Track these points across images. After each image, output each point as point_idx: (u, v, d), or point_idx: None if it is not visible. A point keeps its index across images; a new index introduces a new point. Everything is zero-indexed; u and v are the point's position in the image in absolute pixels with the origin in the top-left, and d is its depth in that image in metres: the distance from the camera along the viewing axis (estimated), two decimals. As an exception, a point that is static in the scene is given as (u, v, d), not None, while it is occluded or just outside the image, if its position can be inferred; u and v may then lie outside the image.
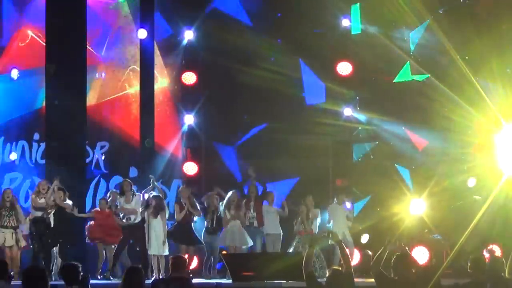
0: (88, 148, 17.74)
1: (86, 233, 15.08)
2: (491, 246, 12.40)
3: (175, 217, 14.91)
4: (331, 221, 15.13)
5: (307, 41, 17.31)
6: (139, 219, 14.74)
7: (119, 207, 14.92)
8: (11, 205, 14.16)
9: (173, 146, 18.02)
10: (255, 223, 14.90)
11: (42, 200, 14.52)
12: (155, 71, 18.12)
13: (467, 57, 14.91)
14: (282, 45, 17.49)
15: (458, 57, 14.71)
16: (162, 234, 14.17)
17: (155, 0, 17.92)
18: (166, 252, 14.00)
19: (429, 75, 16.44)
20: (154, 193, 14.77)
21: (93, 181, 17.53)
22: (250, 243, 14.73)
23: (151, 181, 15.29)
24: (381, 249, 10.83)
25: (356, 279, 9.21)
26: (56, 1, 16.71)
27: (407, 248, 11.72)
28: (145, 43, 17.42)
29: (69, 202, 14.62)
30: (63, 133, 16.40)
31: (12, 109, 18.23)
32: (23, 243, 14.19)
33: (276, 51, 17.40)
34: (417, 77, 16.49)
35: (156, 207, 14.26)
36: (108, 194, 15.93)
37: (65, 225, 14.52)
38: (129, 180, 15.65)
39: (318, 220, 15.25)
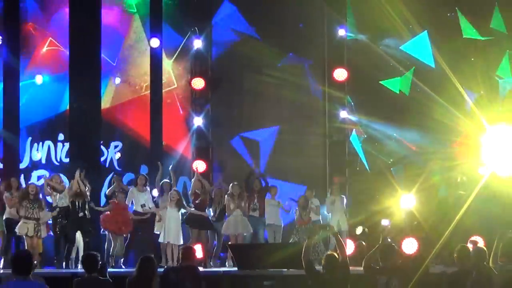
0: (103, 147, 17.78)
1: (101, 222, 15.00)
2: (474, 237, 12.24)
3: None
4: (330, 212, 15.18)
5: (308, 49, 17.53)
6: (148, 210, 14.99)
7: (129, 193, 15.06)
8: (35, 199, 14.07)
9: (183, 146, 17.93)
10: (257, 214, 15.06)
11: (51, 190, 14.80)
12: (171, 76, 18.26)
13: (456, 70, 14.99)
14: (287, 53, 17.55)
15: (448, 69, 14.80)
16: (178, 225, 14.31)
17: (163, 11, 17.76)
18: (181, 242, 14.02)
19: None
20: (174, 188, 14.87)
21: (107, 178, 17.31)
22: (251, 230, 14.83)
23: (160, 167, 15.61)
24: (373, 250, 11.12)
25: (351, 267, 9.30)
26: (77, 14, 16.75)
27: (390, 240, 11.73)
28: (154, 51, 17.52)
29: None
30: (81, 133, 16.67)
31: (38, 112, 18.11)
32: (43, 233, 14.20)
33: (280, 59, 17.39)
34: (404, 90, 16.58)
35: (177, 200, 14.36)
36: (112, 180, 16.22)
37: (85, 216, 14.51)
38: (145, 175, 15.80)
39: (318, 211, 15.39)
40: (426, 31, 16.10)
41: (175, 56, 18.42)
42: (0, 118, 17.57)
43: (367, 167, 17.05)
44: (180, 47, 18.27)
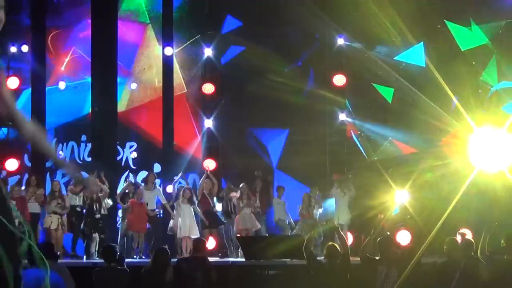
0: (119, 147, 18.03)
1: (127, 226, 14.90)
2: (463, 230, 12.21)
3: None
4: (335, 205, 15.30)
5: (310, 57, 17.79)
6: (153, 207, 15.08)
7: (138, 190, 14.99)
8: (59, 195, 14.26)
9: (194, 146, 18.15)
10: (260, 211, 15.19)
11: (78, 189, 14.67)
12: (181, 81, 18.58)
13: (446, 76, 14.75)
14: (291, 61, 17.70)
15: (439, 75, 14.64)
16: (192, 219, 14.36)
17: (174, 22, 17.90)
18: (196, 235, 13.92)
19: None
20: (185, 186, 15.08)
21: (122, 175, 17.68)
22: (259, 226, 14.92)
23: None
24: (367, 240, 11.35)
25: (351, 258, 9.77)
26: (97, 26, 17.07)
27: (389, 233, 12.26)
28: (167, 59, 17.63)
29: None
30: (101, 134, 16.96)
31: (63, 115, 18.27)
32: (66, 227, 14.38)
33: (284, 67, 17.52)
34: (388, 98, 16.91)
35: (190, 197, 14.46)
36: (125, 185, 16.17)
37: (101, 217, 14.64)
38: (154, 174, 15.94)
39: (321, 209, 15.53)
40: (422, 42, 16.26)
41: (186, 63, 18.69)
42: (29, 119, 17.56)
43: (365, 156, 17.18)
44: (191, 55, 18.60)
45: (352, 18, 17.18)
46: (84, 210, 14.61)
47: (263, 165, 17.47)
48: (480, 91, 15.87)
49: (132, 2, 18.97)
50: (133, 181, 16.49)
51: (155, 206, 15.20)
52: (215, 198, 15.36)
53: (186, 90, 18.64)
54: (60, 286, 8.59)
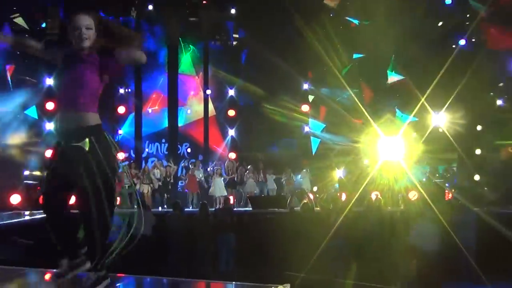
0: (179, 146, 17.67)
1: (185, 186, 14.72)
2: (375, 192, 12.03)
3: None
4: (303, 180, 14.93)
5: (286, 94, 16.89)
6: (200, 178, 14.57)
7: (190, 171, 14.69)
8: (148, 174, 14.26)
9: (222, 146, 17.92)
10: (262, 181, 14.80)
11: (157, 170, 14.37)
12: (213, 108, 18.07)
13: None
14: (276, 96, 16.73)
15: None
16: (222, 186, 14.05)
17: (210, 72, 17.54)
18: (224, 195, 13.61)
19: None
20: (217, 167, 14.88)
21: (181, 162, 17.13)
22: (258, 190, 14.48)
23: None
24: (322, 196, 11.92)
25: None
26: (172, 77, 16.86)
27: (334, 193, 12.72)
28: (207, 96, 17.53)
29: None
30: (170, 138, 17.05)
31: (150, 128, 17.82)
32: (149, 195, 13.87)
33: (272, 100, 16.68)
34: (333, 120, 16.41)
35: (220, 173, 14.26)
36: (190, 164, 15.84)
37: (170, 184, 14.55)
38: (199, 161, 15.91)
39: (294, 178, 15.10)
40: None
41: (217, 98, 18.32)
42: (133, 131, 17.18)
43: (313, 152, 16.76)
44: (221, 92, 18.20)
45: (314, 70, 17.07)
46: (160, 182, 14.43)
47: (263, 156, 16.79)
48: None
49: (184, 63, 18.15)
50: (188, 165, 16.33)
51: (202, 178, 14.89)
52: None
53: (215, 113, 18.18)
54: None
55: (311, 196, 14.02)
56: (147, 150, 17.97)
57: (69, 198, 3.13)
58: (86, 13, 3.16)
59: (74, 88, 3.07)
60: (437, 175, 14.23)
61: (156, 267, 7.82)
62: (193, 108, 18.47)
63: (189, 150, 18.14)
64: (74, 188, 3.05)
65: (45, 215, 3.16)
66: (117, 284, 3.52)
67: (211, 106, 18.12)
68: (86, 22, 3.13)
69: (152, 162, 16.61)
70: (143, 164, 16.15)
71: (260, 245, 9.34)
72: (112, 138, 3.20)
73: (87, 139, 3.03)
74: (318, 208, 11.38)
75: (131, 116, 17.67)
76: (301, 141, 17.49)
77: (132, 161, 15.69)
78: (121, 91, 17.73)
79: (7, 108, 12.11)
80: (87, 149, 3.02)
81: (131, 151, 17.28)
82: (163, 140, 17.95)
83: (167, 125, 17.20)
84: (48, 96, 13.88)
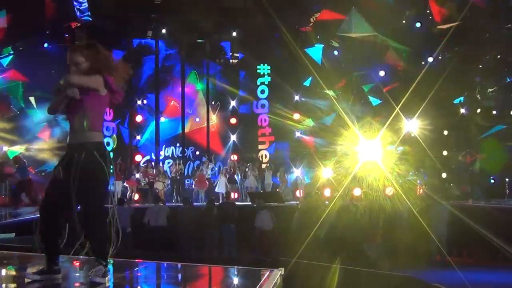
0: (186, 149, 17.36)
1: (195, 184, 14.44)
2: (356, 188, 11.40)
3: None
4: (294, 178, 14.77)
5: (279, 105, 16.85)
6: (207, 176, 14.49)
7: (199, 170, 14.52)
8: (163, 173, 14.27)
9: (225, 149, 17.68)
10: (260, 177, 14.62)
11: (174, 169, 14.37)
12: (216, 118, 17.88)
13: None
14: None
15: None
16: (224, 183, 13.93)
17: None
18: (224, 190, 13.42)
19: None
20: (221, 167, 14.90)
21: (188, 163, 16.94)
22: (256, 185, 14.30)
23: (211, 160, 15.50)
24: (306, 193, 11.42)
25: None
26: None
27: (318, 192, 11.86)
28: (208, 108, 17.32)
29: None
30: (181, 143, 17.02)
31: (166, 133, 17.42)
32: (164, 191, 13.74)
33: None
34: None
35: (224, 172, 14.18)
36: (200, 164, 15.61)
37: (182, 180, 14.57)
38: (205, 161, 15.62)
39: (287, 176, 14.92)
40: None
41: (220, 109, 18.08)
42: (154, 137, 16.99)
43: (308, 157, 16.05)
44: (225, 104, 18.02)
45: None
46: (170, 180, 14.39)
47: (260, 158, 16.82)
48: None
49: (193, 78, 18.01)
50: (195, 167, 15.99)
51: (209, 175, 14.81)
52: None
53: (216, 122, 17.89)
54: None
55: (302, 192, 13.92)
56: (162, 152, 17.62)
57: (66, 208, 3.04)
58: (73, 49, 3.02)
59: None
60: (410, 173, 13.95)
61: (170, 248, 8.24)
62: (198, 116, 18.30)
63: (197, 152, 17.82)
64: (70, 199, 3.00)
65: (40, 216, 3.07)
66: (135, 269, 3.43)
67: (216, 115, 17.97)
68: (74, 59, 2.99)
69: (168, 163, 16.74)
70: (160, 165, 16.10)
71: (259, 234, 9.34)
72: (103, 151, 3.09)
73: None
74: (308, 203, 11.08)
75: (152, 123, 17.37)
76: (292, 144, 17.29)
77: (148, 162, 15.68)
78: (138, 102, 17.43)
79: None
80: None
81: (152, 154, 17.18)
82: (177, 144, 17.75)
83: (179, 131, 17.28)
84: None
